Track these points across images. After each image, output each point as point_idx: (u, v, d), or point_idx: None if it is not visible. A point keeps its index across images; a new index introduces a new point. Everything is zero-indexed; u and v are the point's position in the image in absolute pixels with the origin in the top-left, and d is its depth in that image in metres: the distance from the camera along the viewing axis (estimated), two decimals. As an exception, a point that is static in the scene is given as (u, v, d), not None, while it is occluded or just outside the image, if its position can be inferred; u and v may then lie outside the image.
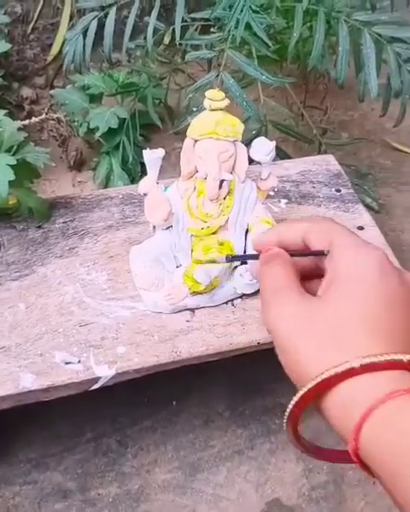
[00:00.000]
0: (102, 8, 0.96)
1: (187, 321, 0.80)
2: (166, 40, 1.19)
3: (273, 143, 0.75)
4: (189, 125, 0.94)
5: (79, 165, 1.19)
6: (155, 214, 0.75)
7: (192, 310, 0.81)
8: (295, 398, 0.40)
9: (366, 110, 1.46)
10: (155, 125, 1.20)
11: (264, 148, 0.75)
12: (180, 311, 0.80)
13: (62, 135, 1.15)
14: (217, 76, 0.92)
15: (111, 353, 0.76)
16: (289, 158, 1.13)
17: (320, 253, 0.45)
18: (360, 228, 0.95)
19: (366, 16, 0.98)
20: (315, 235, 0.45)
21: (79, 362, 0.75)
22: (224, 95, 0.72)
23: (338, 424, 0.38)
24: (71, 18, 1.28)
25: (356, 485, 0.86)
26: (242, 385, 0.96)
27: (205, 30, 1.10)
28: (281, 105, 1.19)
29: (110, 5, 0.96)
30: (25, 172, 0.82)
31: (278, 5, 0.93)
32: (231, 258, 0.58)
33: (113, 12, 0.96)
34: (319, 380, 0.38)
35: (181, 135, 1.26)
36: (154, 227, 0.78)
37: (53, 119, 1.05)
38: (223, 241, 0.77)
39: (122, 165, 1.15)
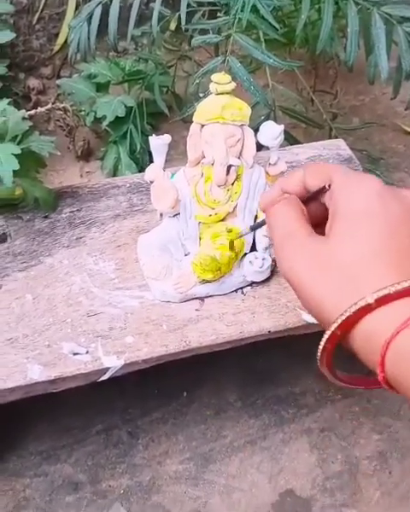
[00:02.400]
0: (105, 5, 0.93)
1: (196, 310, 0.78)
2: (173, 26, 1.16)
3: (282, 127, 0.73)
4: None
5: (86, 155, 1.17)
6: (162, 201, 0.73)
7: (201, 298, 0.78)
8: (323, 342, 0.40)
9: (378, 94, 1.43)
10: (163, 113, 1.17)
11: (272, 131, 0.72)
12: (189, 300, 0.78)
13: (69, 125, 1.12)
14: (224, 61, 0.89)
15: (119, 343, 0.74)
16: (300, 144, 1.10)
17: (322, 191, 0.44)
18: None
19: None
20: (314, 177, 0.45)
21: (87, 352, 0.73)
22: (230, 78, 0.69)
23: (366, 358, 0.38)
24: (77, 7, 1.26)
25: (371, 475, 0.84)
26: (253, 374, 0.94)
27: (212, 15, 1.07)
28: (290, 90, 1.16)
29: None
30: (30, 162, 0.80)
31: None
32: (254, 227, 0.61)
33: (116, 7, 0.93)
34: (339, 321, 0.37)
35: (189, 123, 1.24)
36: (161, 215, 0.76)
37: (60, 109, 1.03)
38: (231, 228, 0.74)
39: (130, 154, 1.13)
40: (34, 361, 0.72)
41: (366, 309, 0.36)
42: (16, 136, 0.79)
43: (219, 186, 0.72)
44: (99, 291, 0.79)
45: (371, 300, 0.36)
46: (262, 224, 0.56)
